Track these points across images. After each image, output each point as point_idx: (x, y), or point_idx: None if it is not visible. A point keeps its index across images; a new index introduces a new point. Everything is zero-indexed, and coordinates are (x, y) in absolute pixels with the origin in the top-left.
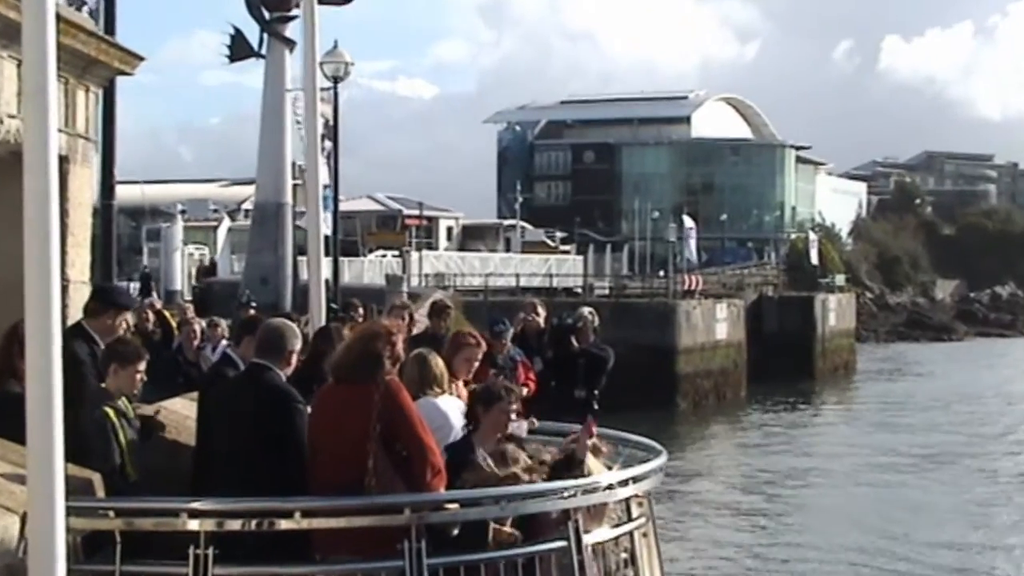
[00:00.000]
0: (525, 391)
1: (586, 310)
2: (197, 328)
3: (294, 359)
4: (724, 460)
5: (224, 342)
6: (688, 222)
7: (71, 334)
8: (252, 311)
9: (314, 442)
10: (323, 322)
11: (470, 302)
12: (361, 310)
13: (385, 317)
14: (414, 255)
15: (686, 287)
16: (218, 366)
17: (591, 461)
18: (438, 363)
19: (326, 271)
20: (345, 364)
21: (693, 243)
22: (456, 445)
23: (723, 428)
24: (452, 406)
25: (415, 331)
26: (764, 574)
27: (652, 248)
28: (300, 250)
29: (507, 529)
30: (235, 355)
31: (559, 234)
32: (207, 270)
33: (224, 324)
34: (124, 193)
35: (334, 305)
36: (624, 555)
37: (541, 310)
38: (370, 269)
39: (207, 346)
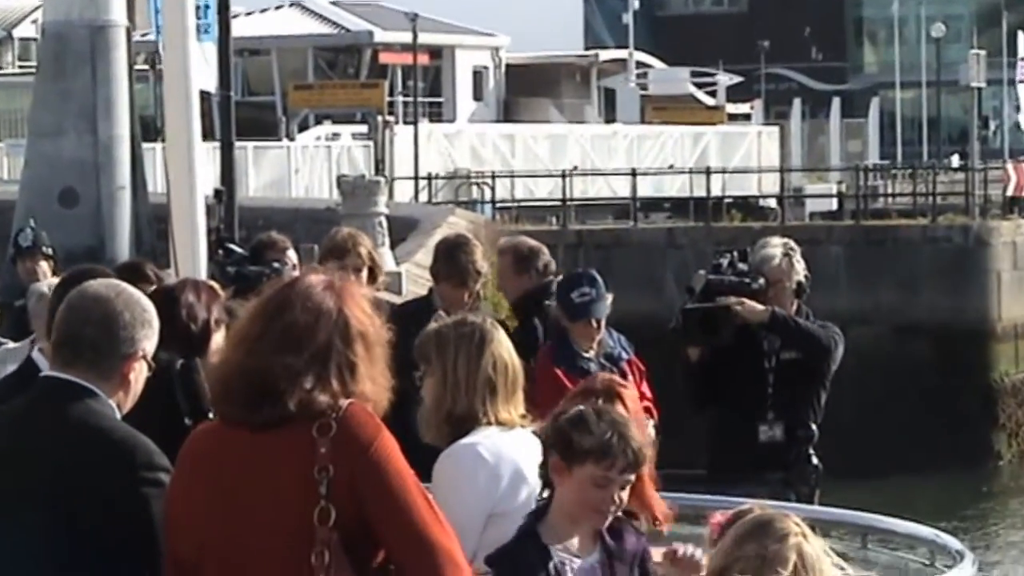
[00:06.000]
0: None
1: (778, 246)
2: None
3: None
4: None
5: None
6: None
7: None
8: (44, 259)
9: (191, 552)
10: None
11: (530, 236)
12: (292, 253)
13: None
14: (401, 132)
15: (1012, 192)
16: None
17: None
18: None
19: (208, 175)
20: (243, 388)
21: None
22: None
23: None
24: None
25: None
26: None
27: (934, 107)
28: (147, 127)
29: None
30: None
31: (723, 78)
32: None
33: None
34: None
35: (233, 247)
36: None
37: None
38: (306, 166)
39: None
